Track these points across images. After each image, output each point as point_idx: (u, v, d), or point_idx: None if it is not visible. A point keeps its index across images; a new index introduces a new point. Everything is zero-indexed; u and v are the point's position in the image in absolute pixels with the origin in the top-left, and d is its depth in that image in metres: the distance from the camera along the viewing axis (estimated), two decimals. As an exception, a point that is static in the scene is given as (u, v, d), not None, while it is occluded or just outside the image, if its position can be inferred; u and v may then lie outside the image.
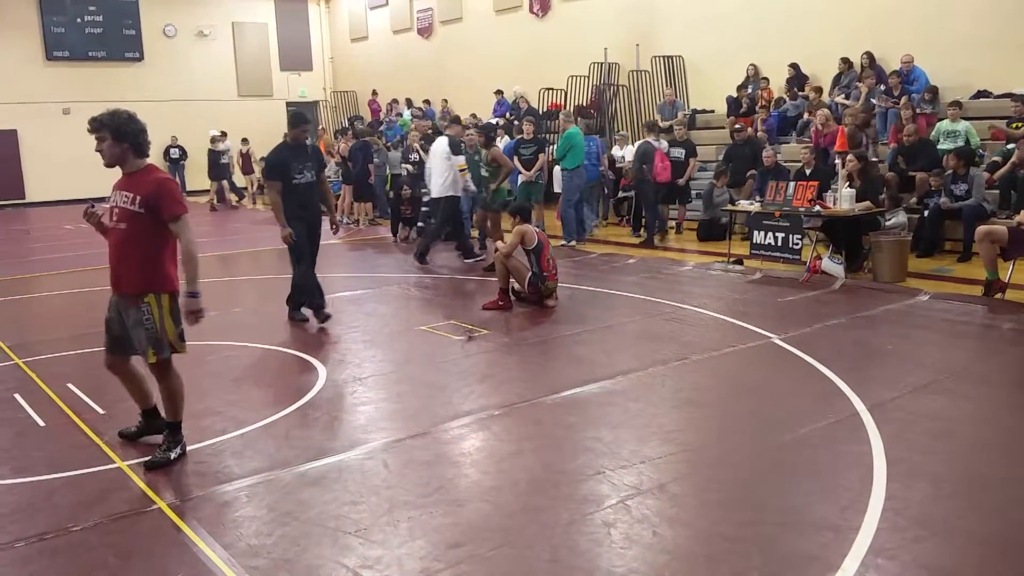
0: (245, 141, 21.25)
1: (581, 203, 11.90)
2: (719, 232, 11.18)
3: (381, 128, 19.68)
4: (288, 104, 25.56)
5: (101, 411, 5.08)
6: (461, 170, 10.45)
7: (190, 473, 4.13)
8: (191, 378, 5.68)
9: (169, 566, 3.29)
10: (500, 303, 7.58)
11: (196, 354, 6.29)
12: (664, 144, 12.23)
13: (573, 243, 11.56)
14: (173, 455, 4.23)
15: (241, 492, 3.90)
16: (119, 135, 3.96)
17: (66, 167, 21.75)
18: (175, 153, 22.90)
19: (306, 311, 7.38)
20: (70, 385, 5.59)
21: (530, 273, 7.60)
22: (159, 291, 4.09)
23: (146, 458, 4.25)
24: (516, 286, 7.76)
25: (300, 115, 7.43)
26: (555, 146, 12.10)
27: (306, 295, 7.31)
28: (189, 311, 4.07)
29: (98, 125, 3.95)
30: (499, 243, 7.88)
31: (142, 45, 23.29)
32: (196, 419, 4.93)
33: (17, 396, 5.46)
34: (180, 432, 4.33)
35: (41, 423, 4.97)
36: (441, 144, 10.57)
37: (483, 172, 10.14)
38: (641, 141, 11.99)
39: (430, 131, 16.82)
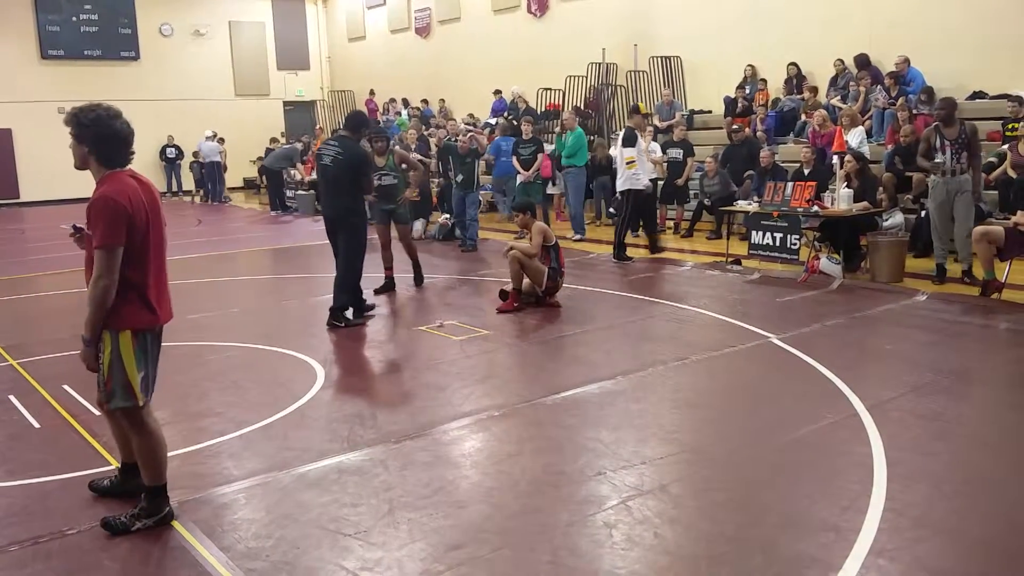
0: (221, 141, 21.30)
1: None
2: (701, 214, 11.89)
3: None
4: (285, 103, 25.57)
5: (97, 412, 5.03)
6: (629, 162, 10.10)
7: (188, 475, 4.10)
8: (190, 379, 5.69)
9: (167, 569, 3.27)
10: (515, 304, 7.53)
11: (195, 354, 6.28)
12: (548, 147, 13.06)
13: (578, 237, 11.80)
14: (137, 526, 3.49)
15: (239, 494, 3.88)
16: (79, 136, 3.37)
17: (61, 166, 21.49)
18: (171, 153, 22.87)
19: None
20: (65, 386, 5.55)
21: (548, 269, 7.56)
22: (115, 328, 3.37)
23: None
24: (526, 286, 7.68)
25: (365, 117, 7.76)
26: (559, 144, 12.09)
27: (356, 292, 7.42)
28: (80, 358, 3.41)
29: (66, 119, 3.41)
30: (515, 244, 7.76)
31: (138, 44, 23.23)
32: (194, 420, 4.92)
33: (11, 397, 5.43)
34: (161, 500, 3.56)
35: (36, 425, 4.94)
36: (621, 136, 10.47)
37: (390, 180, 8.59)
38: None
39: (426, 131, 16.82)
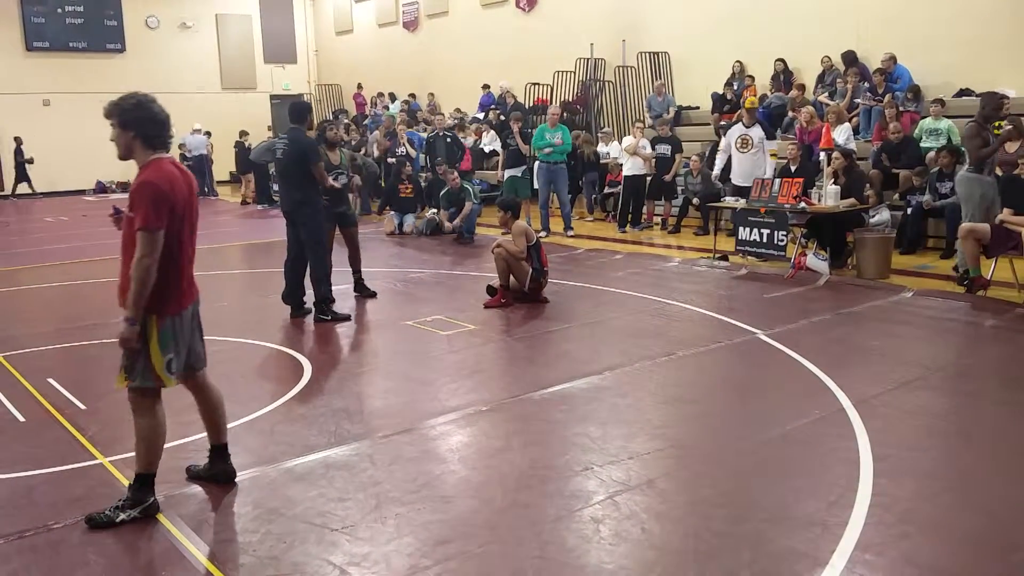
0: (208, 135, 21.20)
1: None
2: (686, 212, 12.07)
3: (366, 122, 19.60)
4: (272, 97, 25.43)
5: (83, 406, 5.01)
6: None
7: (174, 469, 4.07)
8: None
9: (152, 564, 3.25)
10: (502, 300, 7.52)
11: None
12: (469, 140, 13.42)
13: (571, 233, 11.92)
14: (122, 516, 3.50)
15: (226, 488, 3.85)
16: (124, 122, 3.50)
17: (46, 159, 21.48)
18: (156, 145, 22.71)
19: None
20: (51, 380, 5.51)
21: (531, 270, 7.54)
22: (147, 311, 3.47)
23: (132, 454, 4.16)
24: (513, 283, 7.66)
25: (306, 105, 7.47)
26: (539, 139, 11.99)
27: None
28: (119, 337, 3.45)
29: (107, 110, 3.54)
30: (502, 242, 7.71)
31: (124, 36, 23.04)
32: (180, 414, 4.85)
33: (-4, 391, 5.38)
34: (146, 490, 3.58)
35: (21, 418, 4.89)
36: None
37: (345, 179, 7.93)
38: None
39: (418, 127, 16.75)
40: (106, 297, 8.46)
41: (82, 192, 22.24)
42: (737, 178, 10.15)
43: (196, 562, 3.20)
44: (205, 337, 3.92)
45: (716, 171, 10.47)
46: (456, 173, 11.92)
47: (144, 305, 3.43)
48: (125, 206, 3.57)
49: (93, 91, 22.29)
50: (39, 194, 21.59)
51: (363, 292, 8.14)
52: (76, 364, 6.09)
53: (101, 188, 22.56)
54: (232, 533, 3.44)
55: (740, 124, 10.17)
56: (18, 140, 21.08)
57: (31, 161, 21.25)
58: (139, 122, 3.49)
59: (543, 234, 11.59)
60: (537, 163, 12.11)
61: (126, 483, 3.86)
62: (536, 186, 12.89)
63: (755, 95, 13.68)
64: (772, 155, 9.94)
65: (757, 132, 10.14)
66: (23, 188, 21.32)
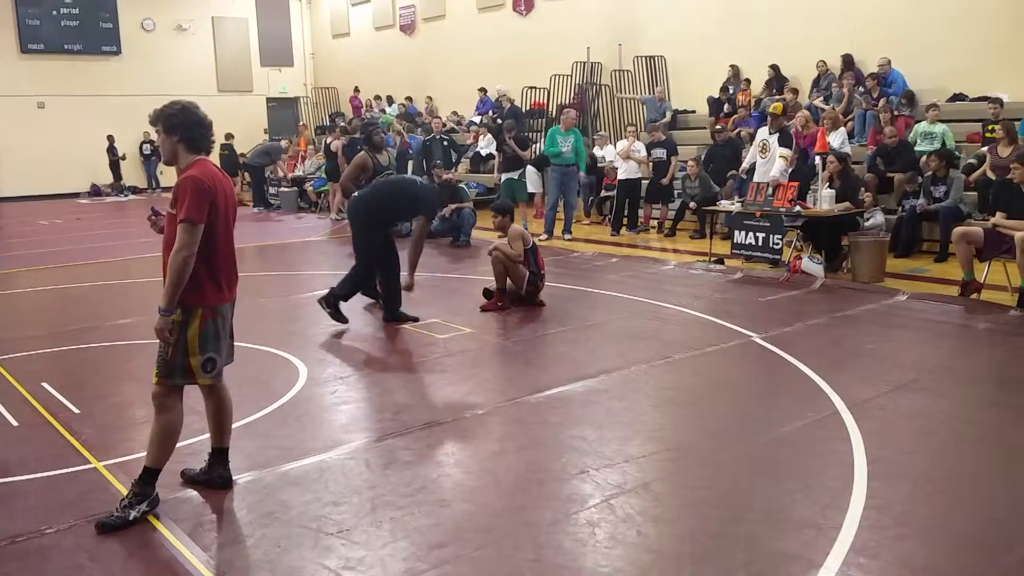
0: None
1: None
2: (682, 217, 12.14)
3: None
4: (268, 100, 25.41)
5: (76, 410, 4.99)
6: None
7: (168, 473, 4.04)
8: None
9: (146, 568, 3.24)
10: (499, 304, 7.52)
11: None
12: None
13: (569, 237, 11.89)
14: (133, 514, 3.51)
15: (221, 492, 3.84)
16: (169, 127, 3.62)
17: (41, 161, 21.45)
18: (147, 150, 22.64)
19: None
20: (44, 384, 5.49)
21: (528, 273, 7.54)
22: (189, 305, 3.57)
23: (126, 458, 4.17)
24: (509, 285, 7.65)
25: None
26: (552, 144, 11.91)
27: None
28: (155, 327, 3.55)
29: (153, 118, 3.67)
30: (499, 245, 7.68)
31: (119, 39, 23.03)
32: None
33: (-10, 394, 5.36)
34: (153, 484, 3.64)
35: (14, 423, 4.87)
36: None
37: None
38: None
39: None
40: (99, 301, 8.48)
41: (76, 195, 22.21)
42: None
43: (191, 566, 3.19)
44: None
45: (745, 165, 10.59)
46: (451, 175, 11.97)
47: (180, 298, 3.51)
48: (164, 208, 3.69)
49: (88, 94, 22.33)
50: (124, 190, 22.12)
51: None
52: (69, 368, 6.08)
53: (96, 191, 22.54)
54: (227, 537, 3.43)
55: (766, 128, 10.18)
56: (111, 138, 21.65)
57: (123, 158, 21.64)
58: (184, 127, 3.62)
59: (544, 237, 11.60)
60: (532, 167, 12.10)
61: (119, 487, 3.87)
62: (532, 189, 12.90)
63: (750, 98, 13.77)
64: (782, 157, 9.94)
65: (775, 140, 10.18)
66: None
